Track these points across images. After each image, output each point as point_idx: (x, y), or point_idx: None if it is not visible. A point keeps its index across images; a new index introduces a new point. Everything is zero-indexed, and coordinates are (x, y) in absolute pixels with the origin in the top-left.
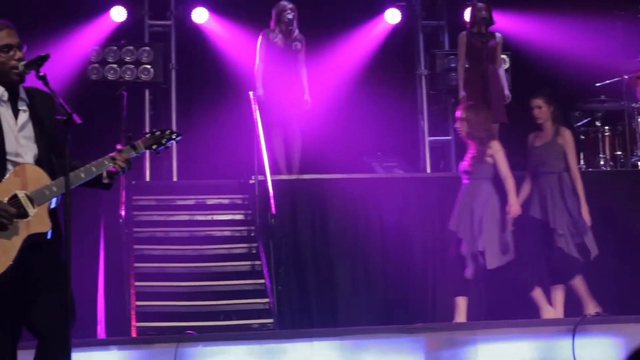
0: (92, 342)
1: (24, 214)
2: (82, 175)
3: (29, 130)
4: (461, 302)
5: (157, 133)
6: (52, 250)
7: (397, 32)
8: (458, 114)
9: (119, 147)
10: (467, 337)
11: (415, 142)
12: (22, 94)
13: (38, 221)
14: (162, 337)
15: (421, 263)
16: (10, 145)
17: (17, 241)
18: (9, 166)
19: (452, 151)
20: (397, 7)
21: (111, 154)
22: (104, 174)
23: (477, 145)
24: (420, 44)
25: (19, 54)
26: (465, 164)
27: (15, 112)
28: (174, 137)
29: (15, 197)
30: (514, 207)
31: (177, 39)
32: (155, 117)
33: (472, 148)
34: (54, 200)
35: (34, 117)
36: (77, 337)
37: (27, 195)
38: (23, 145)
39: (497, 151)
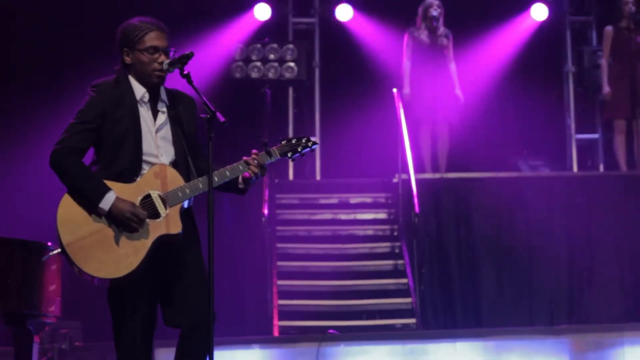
0: (235, 341)
1: (155, 215)
2: (216, 179)
3: (167, 132)
4: None
5: (294, 140)
6: (186, 249)
7: (544, 29)
8: None
9: (254, 152)
10: (613, 339)
11: (562, 140)
12: (163, 96)
13: (169, 222)
14: (304, 336)
15: (567, 263)
16: (147, 146)
17: (147, 242)
18: (145, 166)
19: (600, 149)
20: (544, 2)
21: (245, 159)
22: (240, 179)
23: None
24: (567, 40)
25: (163, 58)
26: None
27: (155, 113)
28: (310, 144)
29: (148, 196)
30: None
31: (321, 37)
32: (299, 115)
33: None
34: (185, 202)
35: (172, 119)
36: (221, 336)
37: (160, 196)
38: (160, 146)
39: None
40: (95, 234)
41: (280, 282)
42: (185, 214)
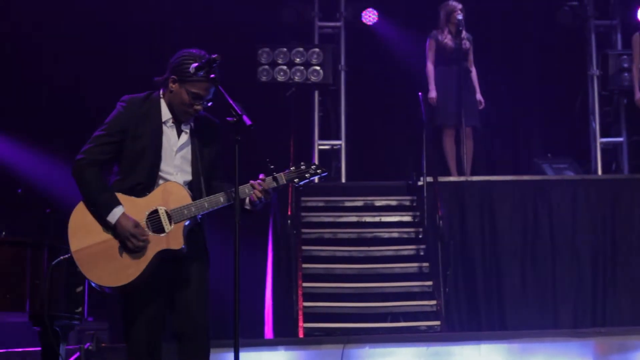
0: (260, 343)
1: (160, 230)
2: (221, 199)
3: (187, 152)
4: None
5: (302, 167)
6: (190, 264)
7: (568, 32)
8: None
9: (261, 176)
10: (638, 341)
11: (587, 143)
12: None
13: (172, 238)
14: (329, 337)
15: (591, 266)
16: (165, 163)
17: (148, 255)
18: (160, 182)
19: (624, 153)
20: (569, 6)
21: (252, 182)
22: (247, 201)
23: None
24: (592, 44)
25: (200, 107)
26: None
27: (179, 133)
28: (319, 172)
29: (155, 212)
30: None
31: (346, 40)
32: (325, 119)
33: None
34: (191, 219)
35: (195, 140)
36: (246, 337)
37: (166, 212)
38: (177, 165)
39: None
40: (101, 243)
41: (305, 285)
42: (192, 231)
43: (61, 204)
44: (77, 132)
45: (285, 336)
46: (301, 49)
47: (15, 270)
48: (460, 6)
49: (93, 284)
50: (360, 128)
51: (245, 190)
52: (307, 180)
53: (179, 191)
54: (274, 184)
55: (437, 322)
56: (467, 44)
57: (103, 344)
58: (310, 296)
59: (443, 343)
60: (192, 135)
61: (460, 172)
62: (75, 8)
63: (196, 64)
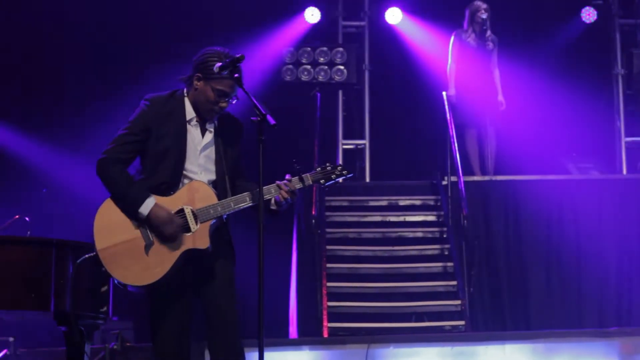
0: (285, 342)
1: (186, 229)
2: (247, 199)
3: (211, 151)
4: None
5: (328, 168)
6: (215, 263)
7: (593, 31)
8: None
9: (288, 177)
10: None
11: (611, 142)
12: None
13: (198, 237)
14: (353, 337)
15: (616, 265)
16: (189, 162)
17: (175, 254)
18: (184, 181)
19: None
20: (593, 5)
21: (278, 183)
22: (272, 201)
23: None
24: (616, 43)
25: (225, 104)
26: None
27: (203, 132)
28: (344, 173)
29: (181, 211)
30: None
31: (370, 40)
32: (348, 118)
33: None
34: (217, 219)
35: (218, 139)
36: (270, 337)
37: (192, 211)
38: (201, 164)
39: None
40: (127, 242)
41: (329, 284)
42: (218, 229)
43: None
44: None
45: (309, 336)
46: (325, 49)
47: (40, 270)
48: (485, 6)
49: (117, 282)
50: (384, 127)
51: (271, 190)
52: (332, 182)
53: (204, 190)
54: (300, 185)
55: (462, 322)
56: (490, 45)
57: (128, 343)
58: (335, 296)
59: (467, 343)
60: (216, 134)
61: (484, 172)
62: None
63: (220, 63)
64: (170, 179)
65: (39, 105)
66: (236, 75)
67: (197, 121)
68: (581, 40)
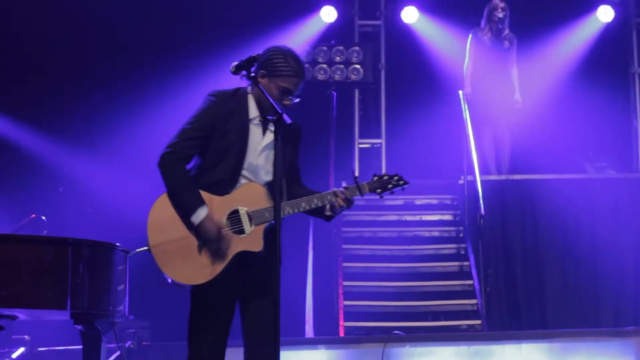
0: (301, 341)
1: (240, 230)
2: (303, 204)
3: (270, 152)
4: None
5: (385, 178)
6: (262, 266)
7: (609, 30)
8: None
9: (344, 184)
10: None
11: (628, 141)
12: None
13: (252, 240)
14: (369, 337)
15: (633, 265)
16: (248, 162)
17: (228, 255)
18: (242, 180)
19: None
20: (610, 4)
21: (335, 190)
22: (327, 207)
23: None
24: (633, 42)
25: (287, 103)
26: None
27: (264, 132)
28: (401, 183)
29: (236, 212)
30: None
31: (386, 39)
32: (365, 117)
33: None
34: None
35: (278, 139)
36: (286, 336)
37: (247, 213)
38: (260, 165)
39: None
40: (180, 240)
41: (345, 283)
42: (270, 232)
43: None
44: None
45: (325, 335)
46: (341, 48)
47: (56, 268)
48: (502, 4)
49: (166, 277)
50: (400, 126)
51: (327, 197)
52: (389, 192)
53: (261, 192)
54: (357, 193)
55: (478, 321)
56: (506, 43)
57: (144, 342)
58: (351, 295)
59: (484, 342)
60: (277, 135)
61: (501, 171)
62: None
63: (236, 63)
64: (228, 177)
65: (56, 104)
66: (252, 74)
67: (259, 120)
68: (598, 39)
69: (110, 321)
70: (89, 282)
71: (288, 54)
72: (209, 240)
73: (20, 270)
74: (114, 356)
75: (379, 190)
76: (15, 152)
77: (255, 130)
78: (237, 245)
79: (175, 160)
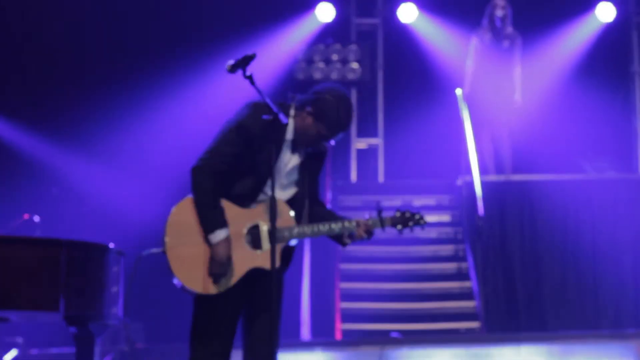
0: (297, 344)
1: (258, 246)
2: (322, 229)
3: (295, 173)
4: None
5: (407, 215)
6: (270, 279)
7: (610, 29)
8: None
9: (367, 217)
10: None
11: (628, 142)
12: None
13: (268, 257)
14: (367, 339)
15: (633, 266)
16: (276, 179)
17: (242, 269)
18: (262, 197)
19: None
20: (610, 3)
21: (357, 220)
22: (347, 234)
23: None
24: (633, 41)
25: (320, 145)
26: None
27: (293, 152)
28: (421, 222)
29: (256, 227)
30: None
31: (384, 37)
32: (362, 116)
33: None
34: (291, 241)
35: (305, 160)
36: (283, 339)
37: (268, 230)
38: (283, 184)
39: None
40: (197, 246)
41: (343, 285)
42: (285, 250)
43: None
44: None
45: (322, 337)
46: (338, 46)
47: (49, 270)
48: (501, 3)
49: (177, 282)
50: (397, 126)
51: (348, 226)
52: (409, 228)
53: (284, 211)
54: (379, 226)
55: (477, 323)
56: (506, 43)
57: (138, 345)
58: (348, 296)
59: (482, 344)
60: (303, 155)
61: (499, 171)
62: None
63: (232, 61)
64: (251, 192)
65: (51, 104)
66: (248, 73)
67: (291, 142)
68: (598, 38)
69: (103, 323)
70: (82, 284)
71: (342, 106)
72: (214, 263)
73: (11, 272)
74: (107, 358)
75: (399, 226)
76: (11, 151)
77: (286, 150)
78: (253, 260)
79: (208, 177)
